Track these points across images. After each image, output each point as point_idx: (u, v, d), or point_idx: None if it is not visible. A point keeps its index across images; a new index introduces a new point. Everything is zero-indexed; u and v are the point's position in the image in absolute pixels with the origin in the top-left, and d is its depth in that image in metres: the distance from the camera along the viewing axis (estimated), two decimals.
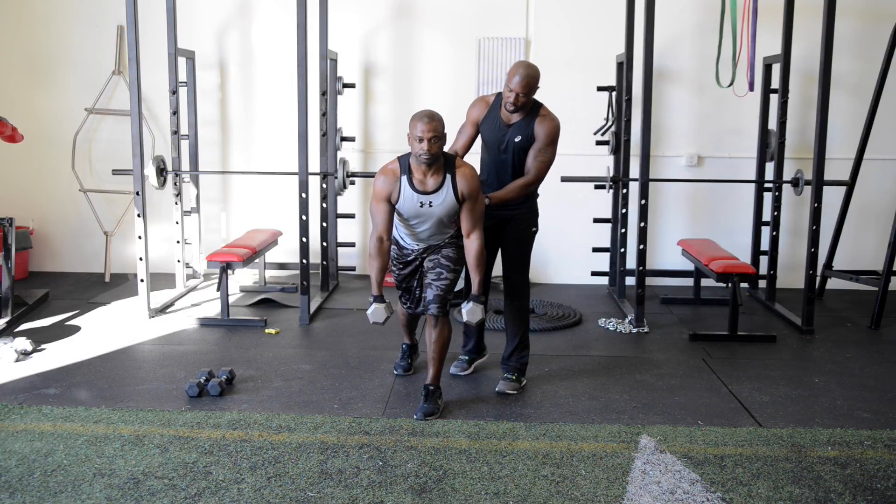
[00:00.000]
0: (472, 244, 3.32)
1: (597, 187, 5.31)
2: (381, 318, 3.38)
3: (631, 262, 5.11)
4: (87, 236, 6.05)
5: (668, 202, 5.83)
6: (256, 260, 5.19)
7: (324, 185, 5.35)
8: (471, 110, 3.66)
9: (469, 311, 3.37)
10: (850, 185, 5.39)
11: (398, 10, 5.79)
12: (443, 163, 3.26)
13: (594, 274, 5.66)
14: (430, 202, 3.27)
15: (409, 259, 3.49)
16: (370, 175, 5.42)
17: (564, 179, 5.12)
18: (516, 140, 3.51)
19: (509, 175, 3.56)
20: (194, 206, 5.71)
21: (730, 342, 4.48)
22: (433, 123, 3.15)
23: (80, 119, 5.85)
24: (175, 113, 5.36)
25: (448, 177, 3.25)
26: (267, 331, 4.59)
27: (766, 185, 5.40)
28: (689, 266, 5.32)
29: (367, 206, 5.95)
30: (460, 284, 3.82)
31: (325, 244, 5.38)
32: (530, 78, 3.40)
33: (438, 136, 3.16)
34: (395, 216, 3.40)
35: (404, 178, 3.27)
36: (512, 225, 3.58)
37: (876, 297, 4.88)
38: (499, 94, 3.58)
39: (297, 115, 4.65)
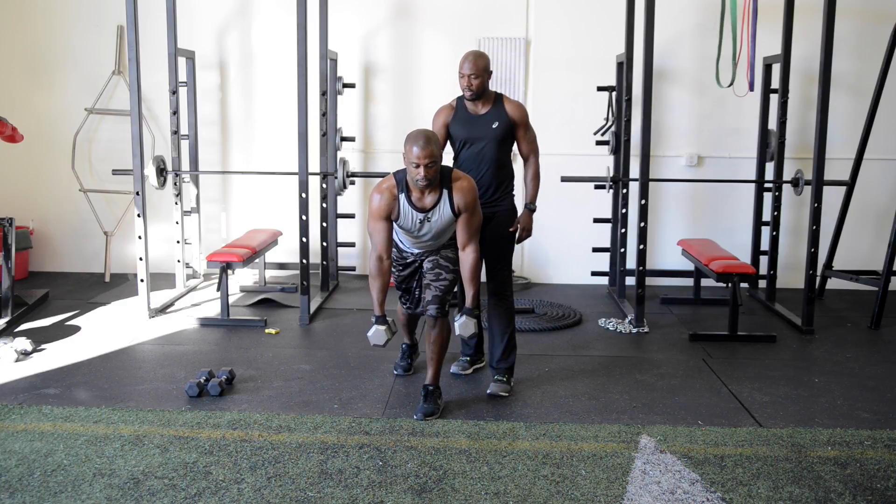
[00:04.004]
0: (467, 257, 3.30)
1: (597, 187, 5.31)
2: (381, 340, 3.33)
3: (631, 262, 5.11)
4: (87, 236, 6.05)
5: (668, 202, 5.83)
6: (256, 260, 5.19)
7: (324, 185, 5.35)
8: (436, 119, 3.68)
9: (462, 325, 3.34)
10: (850, 185, 5.39)
11: (398, 10, 5.79)
12: (439, 179, 3.21)
13: (594, 274, 5.66)
14: (430, 218, 3.26)
15: (408, 261, 3.49)
16: (370, 175, 5.44)
17: (564, 179, 5.13)
18: (493, 126, 3.57)
19: (487, 164, 3.58)
20: (194, 206, 5.71)
21: (730, 342, 4.47)
22: (429, 149, 3.07)
23: (80, 119, 5.86)
24: (175, 113, 5.36)
25: (445, 192, 3.22)
26: (267, 331, 4.59)
27: (766, 185, 5.40)
28: (689, 266, 5.32)
29: (367, 205, 5.93)
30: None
31: (325, 244, 5.39)
32: (478, 58, 3.50)
33: (434, 161, 3.10)
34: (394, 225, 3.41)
35: (402, 197, 3.24)
36: (494, 223, 3.59)
37: (876, 297, 4.88)
38: (458, 98, 3.67)
39: (297, 115, 4.65)
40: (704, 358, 4.21)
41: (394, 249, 3.48)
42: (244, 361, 4.04)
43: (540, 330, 4.68)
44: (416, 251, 3.45)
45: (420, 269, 3.48)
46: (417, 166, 3.09)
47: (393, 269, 3.53)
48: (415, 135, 3.12)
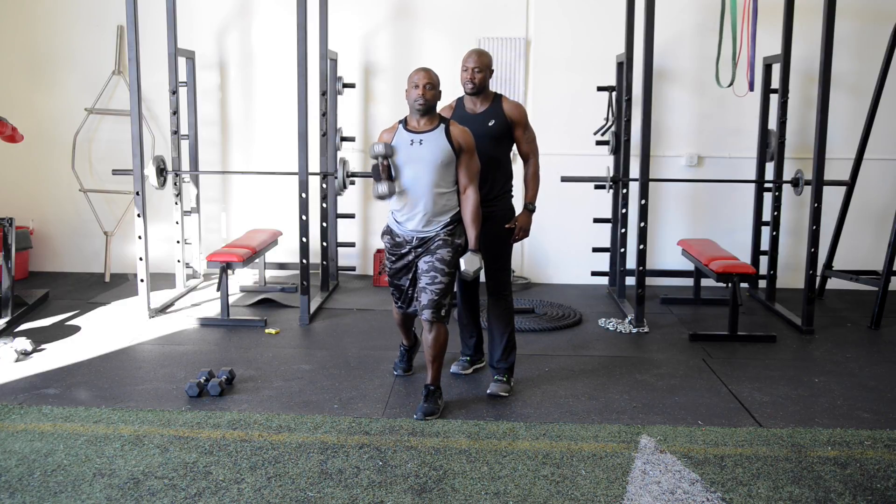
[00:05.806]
0: (468, 198, 3.39)
1: (597, 187, 5.31)
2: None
3: (631, 262, 5.11)
4: (87, 236, 6.05)
5: (668, 202, 5.83)
6: (256, 260, 5.19)
7: (324, 185, 5.35)
8: None
9: (467, 260, 3.39)
10: (850, 185, 5.39)
11: (398, 10, 5.79)
12: (438, 116, 3.41)
13: (594, 274, 5.66)
14: (421, 140, 3.35)
15: (403, 252, 3.47)
16: (370, 175, 5.42)
17: (564, 179, 5.13)
18: (490, 125, 3.60)
19: (485, 163, 3.57)
20: (194, 206, 5.71)
21: (730, 342, 4.48)
22: (429, 73, 3.34)
23: (80, 119, 5.86)
24: (175, 113, 5.36)
25: (442, 124, 3.38)
26: (267, 331, 4.59)
27: (766, 185, 5.40)
28: (689, 266, 5.32)
29: (367, 206, 5.95)
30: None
31: (325, 244, 5.39)
32: (482, 54, 3.61)
33: (433, 85, 3.33)
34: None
35: (400, 126, 3.44)
36: (491, 223, 3.59)
37: (876, 297, 4.88)
38: (458, 99, 3.73)
39: (297, 115, 4.65)
40: (704, 358, 4.21)
41: (387, 236, 3.50)
42: (244, 361, 4.05)
43: (540, 330, 4.68)
44: (410, 233, 3.40)
45: (414, 268, 3.45)
46: (416, 87, 3.31)
47: (386, 262, 3.55)
48: (417, 68, 3.39)
